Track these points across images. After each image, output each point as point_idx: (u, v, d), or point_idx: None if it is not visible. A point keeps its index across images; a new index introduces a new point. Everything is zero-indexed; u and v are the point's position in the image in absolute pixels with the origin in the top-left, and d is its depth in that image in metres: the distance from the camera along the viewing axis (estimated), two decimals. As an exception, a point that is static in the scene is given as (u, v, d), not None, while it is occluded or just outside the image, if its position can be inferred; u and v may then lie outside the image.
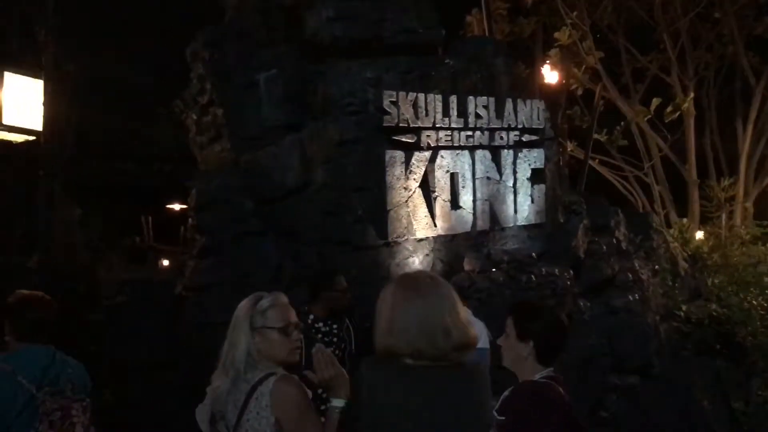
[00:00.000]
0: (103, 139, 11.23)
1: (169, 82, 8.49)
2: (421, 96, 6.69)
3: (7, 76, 6.21)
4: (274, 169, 6.40)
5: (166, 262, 15.29)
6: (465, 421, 2.06)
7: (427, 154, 6.74)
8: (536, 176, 7.49)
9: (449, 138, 6.88)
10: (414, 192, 6.63)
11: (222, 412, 2.59)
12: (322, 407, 2.62)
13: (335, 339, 4.81)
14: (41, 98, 6.21)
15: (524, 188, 7.40)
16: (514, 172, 7.34)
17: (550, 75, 10.84)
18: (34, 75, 6.37)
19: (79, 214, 9.62)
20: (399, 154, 6.55)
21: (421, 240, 6.72)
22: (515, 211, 7.35)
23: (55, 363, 3.14)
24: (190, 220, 6.46)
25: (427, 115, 6.72)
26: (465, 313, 2.19)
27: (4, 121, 6.17)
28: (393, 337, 2.08)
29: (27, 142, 6.51)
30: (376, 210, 6.47)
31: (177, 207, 16.17)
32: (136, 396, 6.02)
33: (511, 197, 7.33)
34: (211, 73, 6.49)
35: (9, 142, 6.52)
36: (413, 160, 6.63)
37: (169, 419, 5.56)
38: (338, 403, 2.55)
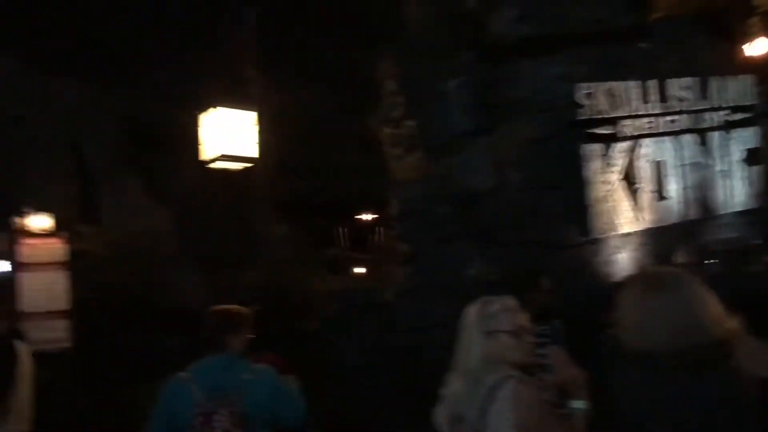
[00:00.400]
0: (298, 159, 11.98)
1: (355, 104, 8.88)
2: (617, 84, 6.44)
3: (223, 111, 6.87)
4: (468, 174, 6.49)
5: (359, 270, 15.97)
6: (726, 423, 1.95)
7: (627, 144, 6.46)
8: (751, 157, 6.90)
9: (650, 125, 6.56)
10: (615, 185, 6.39)
11: (462, 415, 2.65)
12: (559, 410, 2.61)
13: (546, 340, 4.75)
14: (254, 128, 6.78)
15: (738, 171, 6.86)
16: (726, 155, 6.82)
17: (754, 46, 9.89)
18: (245, 107, 6.97)
19: (286, 230, 10.38)
20: (596, 148, 6.35)
21: (626, 235, 6.45)
22: (729, 197, 6.82)
23: (230, 370, 3.25)
24: (382, 228, 6.74)
25: (624, 103, 6.46)
26: (717, 305, 2.07)
27: (224, 152, 6.81)
28: (642, 338, 2.02)
29: (243, 169, 7.15)
30: (576, 207, 6.32)
31: (366, 217, 16.90)
32: (352, 400, 6.36)
33: (724, 182, 6.81)
34: (402, 87, 6.73)
35: (228, 171, 7.19)
36: (612, 152, 6.39)
37: (384, 421, 5.82)
38: (580, 404, 2.52)
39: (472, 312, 2.74)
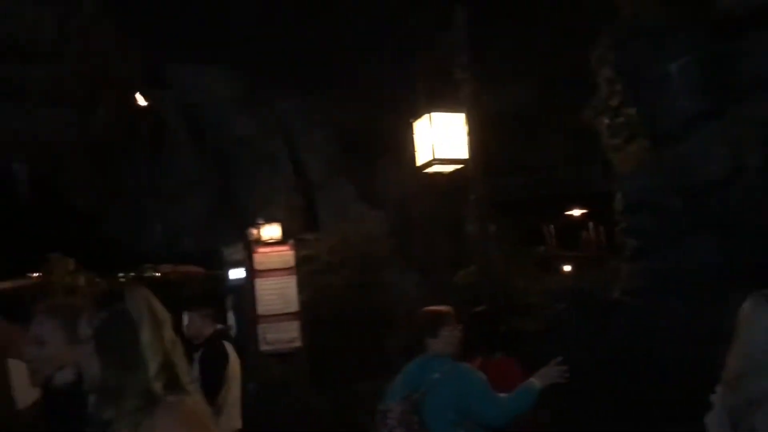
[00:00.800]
0: (506, 157, 11.89)
1: (564, 97, 8.61)
2: None
3: (435, 115, 6.97)
4: (699, 162, 6.07)
5: (567, 268, 15.48)
6: None
7: None
8: None
9: None
10: None
11: (748, 423, 2.45)
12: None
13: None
14: (464, 129, 6.82)
15: None
16: None
17: None
18: (455, 110, 7.02)
19: (495, 229, 10.32)
20: None
21: None
22: None
23: (424, 370, 3.33)
24: (593, 224, 6.44)
25: None
26: None
27: (437, 156, 6.92)
28: None
29: (455, 170, 7.22)
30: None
31: (574, 213, 16.34)
32: (583, 401, 6.15)
33: None
34: (620, 73, 6.43)
35: (440, 173, 7.30)
36: None
37: (616, 424, 5.57)
38: None
39: (756, 309, 2.50)
